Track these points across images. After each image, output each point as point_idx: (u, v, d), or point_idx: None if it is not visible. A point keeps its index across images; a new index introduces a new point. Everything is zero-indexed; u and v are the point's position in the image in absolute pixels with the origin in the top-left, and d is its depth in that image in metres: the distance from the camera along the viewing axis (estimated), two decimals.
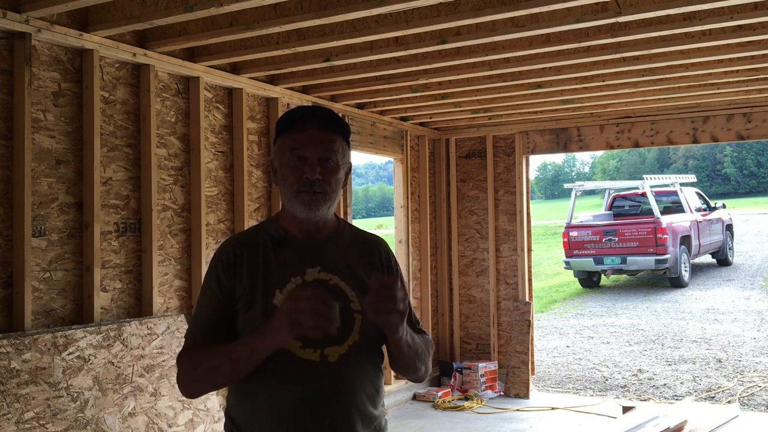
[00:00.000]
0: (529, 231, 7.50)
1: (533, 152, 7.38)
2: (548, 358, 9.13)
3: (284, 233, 1.98)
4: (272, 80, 5.27)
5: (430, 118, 7.07)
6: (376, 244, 2.09)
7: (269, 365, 1.82)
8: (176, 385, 4.00)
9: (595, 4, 3.73)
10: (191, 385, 1.89)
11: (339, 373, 1.87)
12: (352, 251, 2.02)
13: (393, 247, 7.50)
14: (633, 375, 8.11)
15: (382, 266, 2.03)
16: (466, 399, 6.95)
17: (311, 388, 1.84)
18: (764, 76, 5.27)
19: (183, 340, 4.24)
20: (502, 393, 7.18)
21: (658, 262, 13.39)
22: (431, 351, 2.09)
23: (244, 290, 1.89)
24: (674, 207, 15.20)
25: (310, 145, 1.91)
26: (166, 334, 4.23)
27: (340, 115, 6.12)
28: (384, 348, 2.02)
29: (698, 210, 15.53)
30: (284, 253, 1.94)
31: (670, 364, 8.55)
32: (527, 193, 7.51)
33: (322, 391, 1.84)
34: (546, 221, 31.78)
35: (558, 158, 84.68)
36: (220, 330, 1.90)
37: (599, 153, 62.98)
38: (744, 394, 7.02)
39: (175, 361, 4.15)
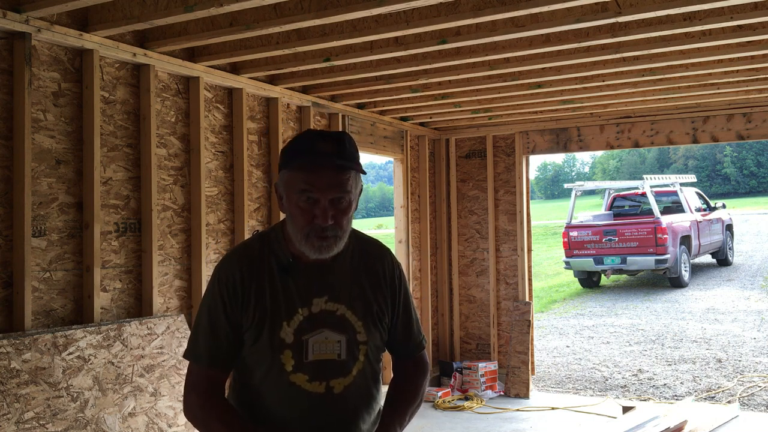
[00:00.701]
0: (529, 231, 7.50)
1: (533, 152, 7.38)
2: (548, 358, 9.13)
3: (291, 258, 1.92)
4: (272, 80, 5.27)
5: (430, 118, 7.07)
6: (381, 258, 2.04)
7: (275, 396, 1.86)
8: (176, 386, 4.00)
9: (595, 4, 3.72)
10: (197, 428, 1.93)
11: (343, 403, 1.89)
12: (358, 268, 1.98)
13: (393, 248, 7.50)
14: (633, 375, 8.11)
15: (386, 277, 2.01)
16: (466, 399, 6.95)
17: (316, 421, 1.86)
18: (764, 76, 5.27)
19: (183, 340, 4.25)
20: (502, 393, 7.18)
21: (658, 262, 13.39)
22: (425, 383, 2.13)
23: (251, 321, 1.87)
24: (674, 207, 15.20)
25: (322, 189, 1.81)
26: (166, 334, 4.23)
27: (339, 115, 6.13)
28: (383, 354, 2.06)
29: (698, 210, 15.54)
30: (291, 280, 1.90)
31: (670, 364, 8.55)
32: (527, 193, 7.51)
33: (328, 423, 1.87)
34: (546, 221, 31.78)
35: (558, 158, 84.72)
36: (231, 357, 1.90)
37: (599, 153, 63.00)
38: (744, 394, 7.02)
39: (174, 361, 4.15)
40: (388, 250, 2.10)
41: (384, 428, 1.96)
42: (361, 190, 1.96)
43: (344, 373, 1.89)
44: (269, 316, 1.86)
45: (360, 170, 1.88)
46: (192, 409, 1.90)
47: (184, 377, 1.98)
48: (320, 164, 1.81)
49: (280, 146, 5.42)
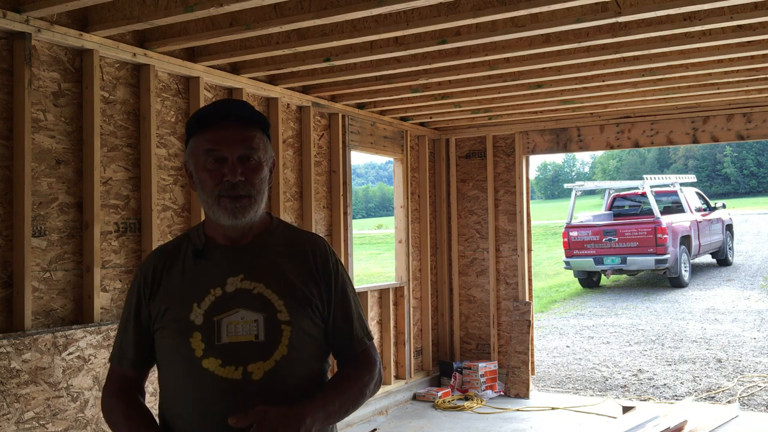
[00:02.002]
0: (529, 231, 7.50)
1: (533, 152, 7.38)
2: (548, 358, 9.13)
3: (205, 241, 1.82)
4: (272, 80, 5.27)
5: (430, 118, 7.07)
6: (312, 243, 1.86)
7: (186, 384, 1.71)
8: None
9: (595, 4, 3.73)
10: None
11: (263, 389, 1.67)
12: (282, 252, 1.82)
13: (393, 248, 7.51)
14: (633, 375, 8.11)
15: (317, 265, 1.82)
16: (466, 399, 6.95)
17: (231, 411, 1.62)
18: (764, 76, 5.27)
19: None
20: (502, 393, 7.18)
21: (658, 262, 13.38)
22: (368, 378, 1.85)
23: (160, 308, 1.76)
24: (674, 207, 15.19)
25: (227, 144, 1.72)
26: None
27: (339, 115, 6.13)
28: (330, 356, 1.88)
29: (698, 210, 15.53)
30: (205, 263, 1.78)
31: (670, 364, 8.55)
32: (527, 193, 7.51)
33: (245, 411, 1.61)
34: (546, 221, 31.77)
35: (558, 158, 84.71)
36: (144, 357, 1.83)
37: (599, 153, 63.00)
38: (744, 394, 7.02)
39: None
40: (323, 241, 1.92)
41: (301, 405, 1.66)
42: (274, 163, 1.85)
43: (264, 356, 1.69)
44: (179, 300, 1.74)
45: (266, 129, 1.80)
46: (103, 409, 1.83)
47: None
48: (223, 120, 1.74)
49: (281, 146, 5.43)
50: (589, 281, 15.35)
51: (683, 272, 14.22)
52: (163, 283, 1.78)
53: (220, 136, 1.72)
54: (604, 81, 5.36)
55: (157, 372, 1.85)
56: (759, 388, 7.22)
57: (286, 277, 1.77)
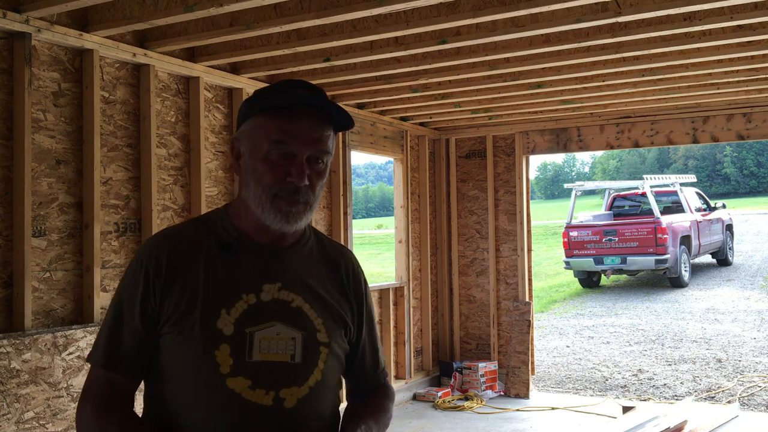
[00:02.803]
0: (529, 231, 7.50)
1: (533, 152, 7.38)
2: (548, 358, 9.13)
3: (237, 235, 1.55)
4: (272, 80, 5.27)
5: (430, 118, 7.07)
6: (344, 255, 1.70)
7: (205, 409, 1.43)
8: None
9: (595, 4, 3.72)
10: None
11: (295, 421, 1.47)
12: (319, 264, 1.63)
13: (393, 248, 7.51)
14: (633, 375, 8.11)
15: (349, 282, 1.66)
16: (466, 399, 6.95)
17: None
18: (764, 76, 5.27)
19: None
20: (502, 393, 7.18)
21: (658, 262, 13.38)
22: (391, 407, 1.73)
23: (176, 309, 1.47)
24: (674, 207, 15.19)
25: (300, 140, 1.49)
26: None
27: None
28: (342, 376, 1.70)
29: (698, 210, 15.53)
30: (235, 261, 1.52)
31: (670, 364, 8.55)
32: (527, 193, 7.51)
33: None
34: (546, 221, 31.78)
35: (558, 158, 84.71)
36: (143, 363, 1.50)
37: (599, 153, 63.00)
38: (744, 394, 7.02)
39: None
40: (352, 254, 1.76)
41: (357, 423, 1.55)
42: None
43: (299, 381, 1.47)
44: (202, 302, 1.46)
45: (339, 130, 1.57)
46: (84, 422, 1.47)
47: None
48: (301, 111, 1.49)
49: None
50: (589, 281, 15.36)
51: (683, 272, 14.22)
52: (180, 276, 1.48)
53: (295, 129, 1.49)
54: (604, 81, 5.36)
55: (146, 383, 1.55)
56: (759, 388, 7.22)
57: (323, 293, 1.58)
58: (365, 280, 1.73)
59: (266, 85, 5.19)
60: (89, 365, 1.54)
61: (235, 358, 1.44)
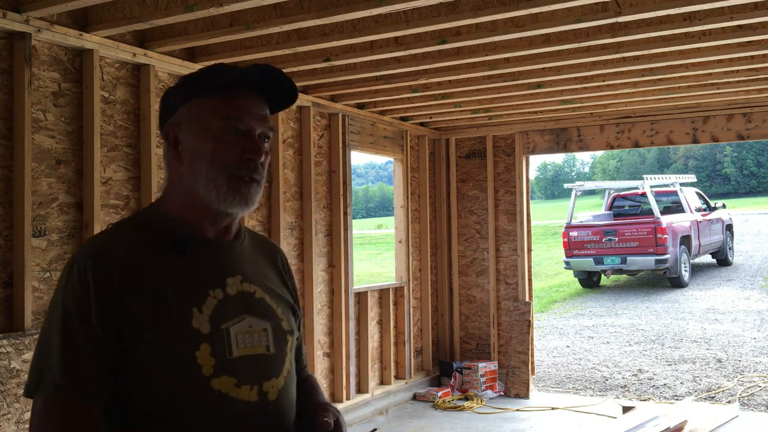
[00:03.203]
0: (529, 231, 7.50)
1: (533, 152, 7.38)
2: (548, 358, 9.13)
3: (187, 231, 1.45)
4: None
5: (430, 118, 7.07)
6: (276, 248, 1.68)
7: (190, 417, 1.35)
8: None
9: (595, 4, 3.73)
10: None
11: (278, 412, 1.45)
12: (260, 256, 1.59)
13: (393, 248, 7.51)
14: (633, 375, 8.11)
15: (286, 273, 1.63)
16: (466, 399, 6.95)
17: None
18: (764, 76, 5.27)
19: None
20: (502, 393, 7.18)
21: (658, 262, 13.38)
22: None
23: (142, 317, 1.33)
24: (674, 207, 15.19)
25: (253, 117, 1.44)
26: None
27: (339, 115, 6.12)
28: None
29: (698, 210, 15.53)
30: (192, 258, 1.42)
31: (670, 364, 8.55)
32: (527, 193, 7.51)
33: None
34: (546, 221, 31.78)
35: (558, 158, 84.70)
36: (108, 384, 1.33)
37: (599, 153, 63.00)
38: (744, 394, 7.02)
39: None
40: (275, 243, 1.74)
41: (324, 405, 1.55)
42: None
43: (276, 372, 1.45)
44: (171, 304, 1.35)
45: (286, 103, 1.54)
46: None
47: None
48: (243, 90, 1.44)
49: (281, 146, 5.43)
50: (589, 281, 15.36)
51: (683, 272, 14.22)
52: (139, 281, 1.35)
53: (245, 105, 1.43)
54: (604, 81, 5.36)
55: (111, 406, 1.37)
56: (759, 388, 7.22)
57: (273, 282, 1.56)
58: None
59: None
60: (34, 399, 1.32)
61: (217, 357, 1.37)
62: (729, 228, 16.80)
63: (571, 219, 14.79)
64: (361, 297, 6.53)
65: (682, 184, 16.01)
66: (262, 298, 1.49)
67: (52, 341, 1.32)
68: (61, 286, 1.35)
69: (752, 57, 4.80)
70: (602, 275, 15.42)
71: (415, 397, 7.06)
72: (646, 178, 15.34)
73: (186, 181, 1.45)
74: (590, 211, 17.54)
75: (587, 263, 14.24)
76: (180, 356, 1.34)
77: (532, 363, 7.34)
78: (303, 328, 1.71)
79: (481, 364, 7.16)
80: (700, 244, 14.91)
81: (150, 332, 1.33)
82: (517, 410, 6.60)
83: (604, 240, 13.91)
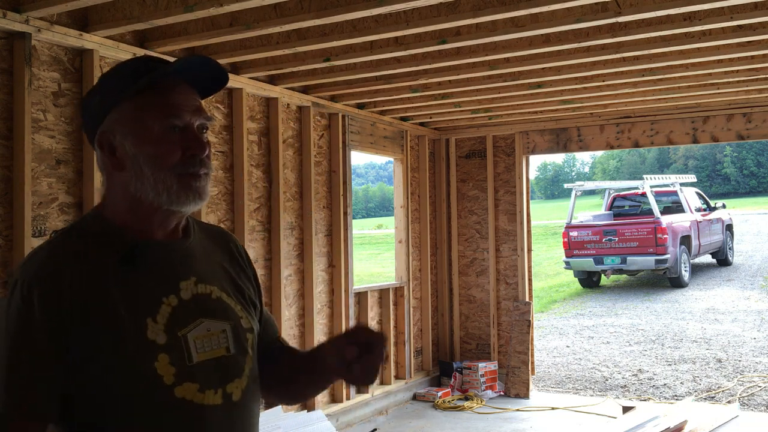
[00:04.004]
0: (529, 231, 7.50)
1: (533, 152, 7.38)
2: (548, 358, 9.13)
3: (134, 238, 1.40)
4: (272, 80, 5.27)
5: (430, 118, 7.07)
6: (227, 235, 1.64)
7: (159, 419, 1.33)
8: None
9: (595, 4, 3.73)
10: None
11: (244, 412, 1.44)
12: (215, 249, 1.55)
13: (393, 248, 7.51)
14: (633, 375, 8.11)
15: (243, 260, 1.60)
16: (466, 399, 6.95)
17: None
18: (764, 76, 5.27)
19: None
20: (502, 393, 7.18)
21: (658, 262, 13.38)
22: None
23: (95, 333, 1.30)
24: (674, 207, 15.19)
25: (189, 111, 1.40)
26: None
27: (339, 115, 6.12)
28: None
29: (698, 210, 15.53)
30: (142, 266, 1.38)
31: (670, 364, 8.55)
32: (527, 193, 7.51)
33: None
34: (546, 221, 31.78)
35: (558, 158, 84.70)
36: (57, 404, 1.31)
37: (599, 153, 62.98)
38: (744, 394, 7.02)
39: None
40: (229, 232, 1.69)
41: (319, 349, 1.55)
42: None
43: (238, 372, 1.43)
44: (124, 317, 1.31)
45: (215, 88, 1.49)
46: None
47: None
48: (171, 83, 1.40)
49: (281, 146, 5.42)
50: (589, 281, 15.36)
51: (683, 272, 14.22)
52: (87, 296, 1.30)
53: (179, 100, 1.39)
54: (604, 81, 5.36)
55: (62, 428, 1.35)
56: (759, 388, 7.22)
57: (230, 277, 1.53)
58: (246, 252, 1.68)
59: (266, 84, 5.18)
60: None
61: (176, 365, 1.34)
62: (729, 228, 16.80)
63: (571, 219, 14.79)
64: (361, 297, 6.53)
65: (682, 184, 16.01)
66: (219, 298, 1.46)
67: (11, 364, 1.29)
68: (10, 305, 1.30)
69: (752, 57, 4.80)
70: (602, 275, 15.42)
71: (415, 397, 7.06)
72: (646, 178, 15.34)
73: (132, 188, 1.40)
74: (590, 211, 17.54)
75: (587, 263, 14.24)
76: (139, 370, 1.31)
77: (532, 363, 7.34)
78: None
79: (481, 364, 7.16)
80: (700, 244, 14.90)
81: (104, 348, 1.30)
82: (517, 410, 6.60)
83: (604, 240, 13.91)
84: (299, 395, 1.73)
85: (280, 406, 5.02)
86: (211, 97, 4.97)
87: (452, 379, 7.26)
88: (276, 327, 1.68)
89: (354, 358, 1.42)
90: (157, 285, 1.38)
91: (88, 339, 1.29)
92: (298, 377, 1.60)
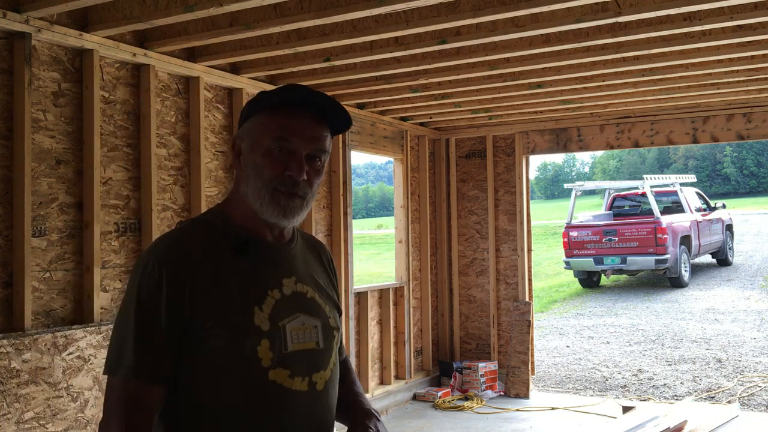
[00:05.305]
0: (529, 231, 7.50)
1: (533, 152, 7.38)
2: (548, 358, 9.13)
3: (247, 234, 1.61)
4: (272, 80, 5.27)
5: (430, 118, 7.07)
6: (322, 247, 1.84)
7: (248, 404, 1.51)
8: None
9: (595, 4, 3.73)
10: None
11: (324, 400, 1.63)
12: (311, 256, 1.75)
13: (393, 247, 7.52)
14: (633, 375, 8.11)
15: (332, 271, 1.81)
16: (466, 399, 6.95)
17: (298, 423, 1.56)
18: (764, 76, 5.27)
19: None
20: (502, 393, 7.18)
21: (658, 262, 13.38)
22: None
23: (209, 314, 1.50)
24: (674, 207, 15.19)
25: (300, 138, 1.57)
26: None
27: None
28: None
29: (698, 210, 15.53)
30: (252, 260, 1.58)
31: (670, 364, 8.55)
32: (527, 193, 7.51)
33: (309, 425, 1.59)
34: (546, 221, 31.78)
35: (558, 158, 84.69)
36: (172, 371, 1.51)
37: (599, 153, 62.99)
38: (744, 394, 7.03)
39: None
40: (323, 243, 1.90)
41: (368, 413, 1.73)
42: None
43: (324, 365, 1.62)
44: (235, 302, 1.52)
45: (336, 133, 1.66)
46: None
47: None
48: (302, 111, 1.58)
49: None
50: (589, 281, 15.36)
51: (683, 272, 14.22)
52: (205, 280, 1.51)
53: (295, 126, 1.56)
54: (604, 81, 5.36)
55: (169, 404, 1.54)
56: (759, 388, 7.22)
57: (321, 282, 1.72)
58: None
59: (266, 84, 5.19)
60: (110, 377, 1.49)
61: (274, 351, 1.53)
62: (729, 228, 16.80)
63: (571, 219, 14.79)
64: (361, 297, 6.53)
65: (682, 184, 16.01)
66: (312, 298, 1.65)
67: (127, 328, 1.49)
68: (135, 279, 1.51)
69: (752, 57, 4.80)
70: (602, 275, 15.42)
71: (415, 397, 7.06)
72: (646, 178, 15.34)
73: (242, 188, 1.61)
74: (590, 211, 17.54)
75: (587, 263, 14.25)
76: (244, 350, 1.50)
77: (532, 363, 7.34)
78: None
79: (481, 364, 7.16)
80: (700, 244, 14.91)
81: (217, 327, 1.49)
82: (517, 410, 6.60)
83: (604, 240, 13.91)
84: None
85: None
86: (211, 97, 4.99)
87: (452, 379, 7.26)
88: (341, 343, 1.82)
89: None
90: (265, 279, 1.58)
91: (205, 318, 1.49)
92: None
